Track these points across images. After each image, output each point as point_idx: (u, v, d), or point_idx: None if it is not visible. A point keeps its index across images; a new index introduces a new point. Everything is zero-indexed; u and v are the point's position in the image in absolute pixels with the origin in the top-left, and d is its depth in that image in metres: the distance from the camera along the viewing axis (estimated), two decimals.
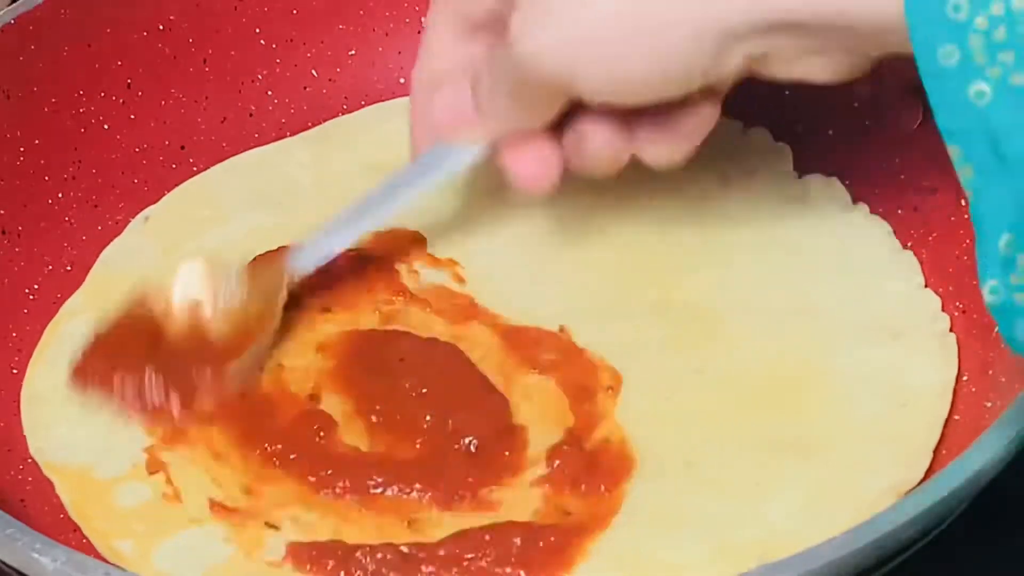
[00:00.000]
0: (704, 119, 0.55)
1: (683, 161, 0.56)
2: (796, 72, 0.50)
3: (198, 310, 0.59)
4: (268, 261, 0.61)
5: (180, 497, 0.56)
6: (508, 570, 0.52)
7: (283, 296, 0.60)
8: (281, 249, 0.61)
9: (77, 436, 0.59)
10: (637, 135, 0.55)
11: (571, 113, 0.54)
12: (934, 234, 0.62)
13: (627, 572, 0.52)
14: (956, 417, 0.56)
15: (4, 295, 0.64)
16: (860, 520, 0.44)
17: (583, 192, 0.67)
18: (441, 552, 0.52)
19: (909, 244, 0.63)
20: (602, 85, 0.51)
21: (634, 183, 0.69)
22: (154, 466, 0.57)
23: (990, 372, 0.55)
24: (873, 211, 0.65)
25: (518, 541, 0.52)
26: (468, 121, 0.57)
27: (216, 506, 0.55)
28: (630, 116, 0.54)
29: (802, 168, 0.69)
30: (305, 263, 0.61)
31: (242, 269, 0.60)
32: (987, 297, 0.42)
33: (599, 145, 0.55)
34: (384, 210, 0.61)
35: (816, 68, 0.50)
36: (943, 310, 0.60)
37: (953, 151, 0.41)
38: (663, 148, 0.56)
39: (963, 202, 0.60)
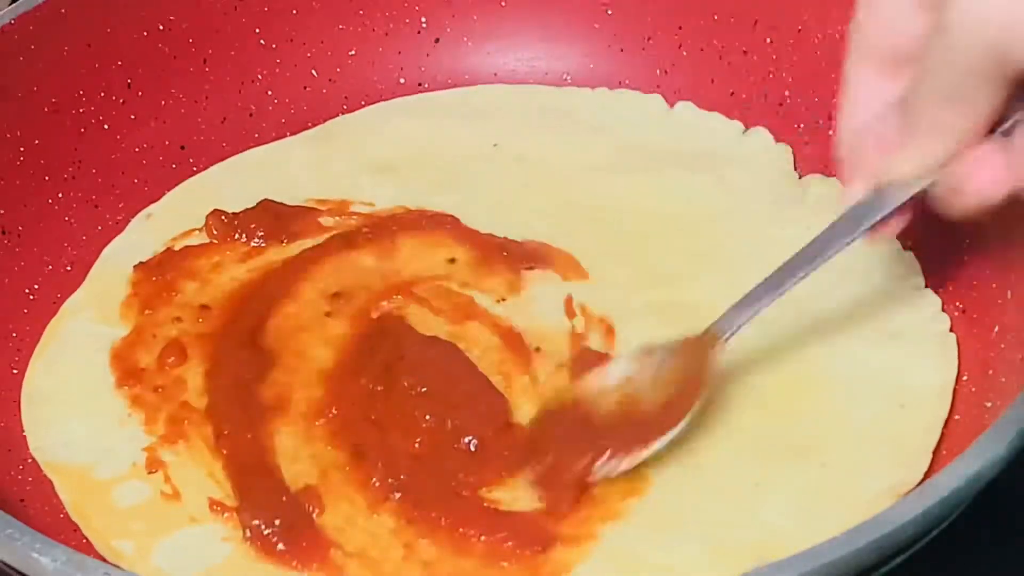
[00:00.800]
0: None
1: None
2: None
3: (629, 387, 0.57)
4: (693, 341, 0.57)
5: (179, 496, 0.56)
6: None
7: (709, 367, 0.56)
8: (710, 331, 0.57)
9: (77, 435, 0.59)
10: None
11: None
12: (934, 234, 0.62)
13: (624, 573, 0.52)
14: (956, 417, 0.56)
15: (4, 295, 0.64)
16: (858, 521, 0.43)
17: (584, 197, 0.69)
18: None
19: (909, 244, 0.63)
20: None
21: (635, 184, 0.69)
22: (153, 465, 0.57)
23: (990, 372, 0.55)
24: None
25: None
26: (895, 148, 0.49)
27: (215, 505, 0.55)
28: None
29: (803, 168, 0.69)
30: (732, 327, 0.56)
31: (673, 346, 0.57)
32: None
33: None
34: (819, 260, 0.54)
35: None
36: (943, 310, 0.61)
37: None
38: None
39: None
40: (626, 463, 0.54)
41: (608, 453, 0.54)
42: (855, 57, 0.52)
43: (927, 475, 0.53)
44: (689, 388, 0.55)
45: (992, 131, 0.47)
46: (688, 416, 0.54)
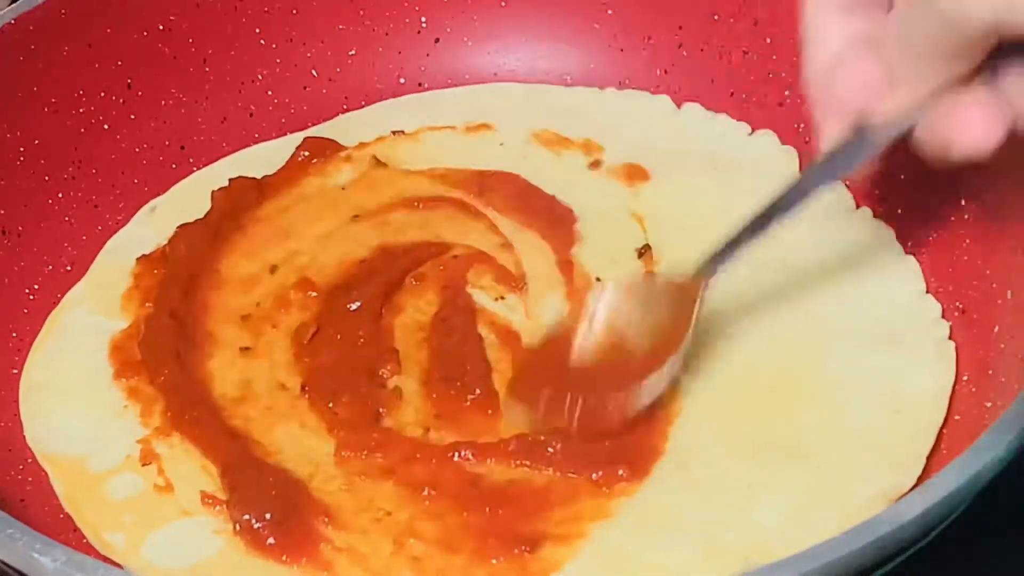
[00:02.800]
0: None
1: None
2: None
3: (615, 329, 0.57)
4: (678, 284, 0.58)
5: (172, 489, 0.56)
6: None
7: (696, 310, 0.57)
8: (691, 274, 0.58)
9: (73, 426, 0.60)
10: None
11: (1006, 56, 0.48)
12: (934, 235, 0.62)
13: (614, 572, 0.52)
14: (956, 417, 0.56)
15: (4, 295, 0.64)
16: (850, 524, 0.43)
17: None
18: None
19: (910, 244, 0.63)
20: None
21: (641, 186, 0.70)
22: (147, 458, 0.58)
23: (990, 372, 0.55)
24: (876, 215, 0.65)
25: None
26: (881, 93, 0.50)
27: (207, 498, 0.55)
28: None
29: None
30: (715, 266, 0.57)
31: (660, 286, 0.58)
32: None
33: None
34: (801, 202, 0.55)
35: None
36: (944, 312, 0.60)
37: None
38: None
39: (963, 202, 0.61)
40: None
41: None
42: (813, 5, 0.53)
43: (920, 480, 0.53)
44: (675, 333, 0.56)
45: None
46: (675, 359, 0.56)
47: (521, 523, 0.53)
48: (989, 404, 0.53)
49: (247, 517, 0.54)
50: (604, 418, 0.56)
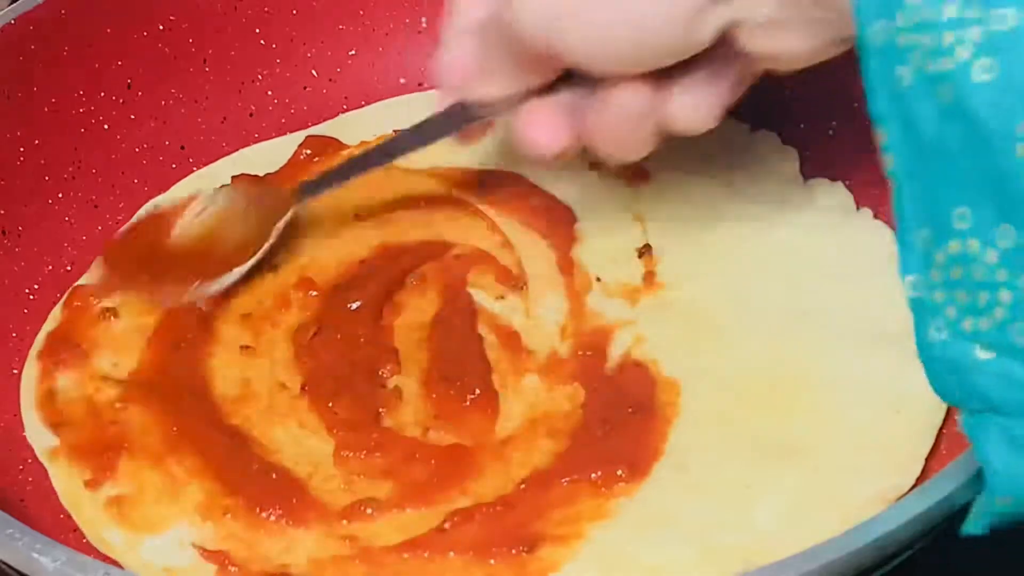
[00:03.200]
0: (730, 82, 0.55)
1: (713, 123, 0.56)
2: (773, 45, 0.51)
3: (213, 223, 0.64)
4: (277, 190, 0.66)
5: (173, 489, 0.56)
6: None
7: (279, 226, 0.64)
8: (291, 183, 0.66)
9: None
10: (661, 98, 0.55)
11: (597, 82, 0.54)
12: None
13: (612, 572, 0.52)
14: (956, 417, 0.55)
15: (4, 295, 0.64)
16: (848, 525, 0.43)
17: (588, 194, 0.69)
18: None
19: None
20: (585, 53, 0.51)
21: (640, 186, 0.69)
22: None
23: None
24: (877, 216, 0.65)
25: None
26: (473, 79, 0.58)
27: (208, 499, 0.56)
28: (652, 80, 0.54)
29: (808, 172, 0.69)
30: (310, 193, 0.65)
31: (243, 188, 0.66)
32: (907, 291, 0.42)
33: (620, 108, 0.54)
34: (397, 152, 0.64)
35: (793, 41, 0.50)
36: None
37: (881, 136, 0.40)
38: (689, 111, 0.55)
39: None
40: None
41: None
42: None
43: (919, 481, 0.53)
44: (262, 234, 0.64)
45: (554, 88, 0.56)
46: (252, 260, 0.63)
47: (519, 523, 0.53)
48: None
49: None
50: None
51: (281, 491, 0.55)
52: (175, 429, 0.58)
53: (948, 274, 0.40)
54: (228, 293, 0.64)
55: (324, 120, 0.75)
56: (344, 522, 0.54)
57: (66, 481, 0.57)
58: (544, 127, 0.56)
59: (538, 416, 0.58)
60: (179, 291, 0.62)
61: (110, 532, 0.55)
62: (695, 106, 0.55)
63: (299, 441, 0.58)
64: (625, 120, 0.55)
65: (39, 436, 0.59)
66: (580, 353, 0.60)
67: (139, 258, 0.65)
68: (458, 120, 0.60)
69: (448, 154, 0.71)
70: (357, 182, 0.69)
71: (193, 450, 0.57)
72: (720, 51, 0.52)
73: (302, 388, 0.60)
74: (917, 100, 0.38)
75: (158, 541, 0.55)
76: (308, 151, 0.71)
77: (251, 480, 0.56)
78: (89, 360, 0.62)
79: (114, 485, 0.57)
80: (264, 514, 0.54)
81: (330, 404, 0.59)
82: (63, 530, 0.55)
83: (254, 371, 0.61)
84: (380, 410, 0.58)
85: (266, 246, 0.64)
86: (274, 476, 0.56)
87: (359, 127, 0.74)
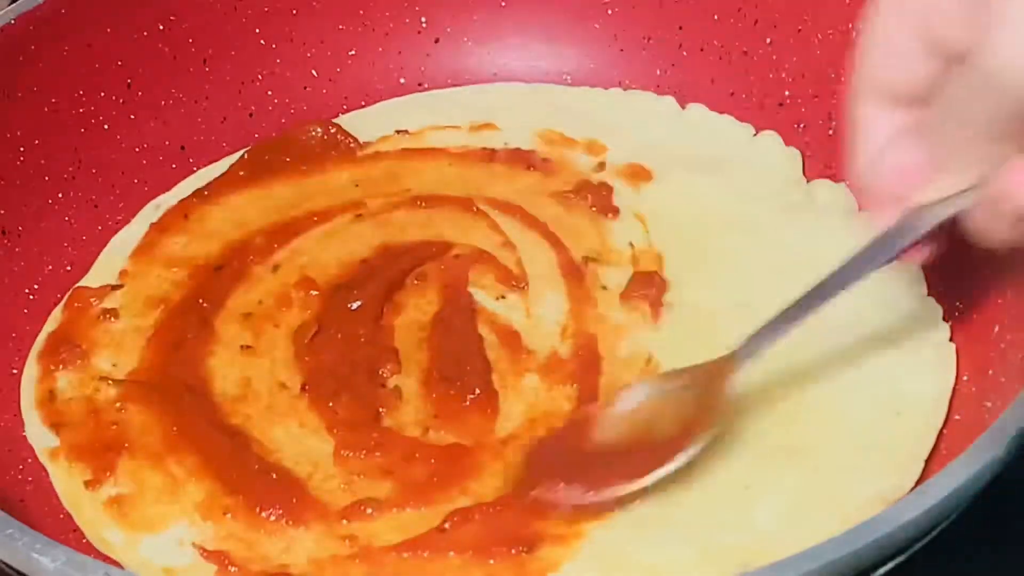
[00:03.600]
0: None
1: None
2: None
3: (640, 421, 0.55)
4: (712, 367, 0.55)
5: (172, 489, 0.56)
6: None
7: (724, 404, 0.55)
8: (727, 357, 0.55)
9: None
10: None
11: None
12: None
13: (611, 572, 0.52)
14: (956, 417, 0.56)
15: (4, 295, 0.64)
16: (847, 525, 0.43)
17: None
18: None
19: None
20: None
21: (645, 187, 0.70)
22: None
23: (990, 372, 0.55)
24: None
25: None
26: (924, 181, 0.49)
27: (206, 499, 0.56)
28: None
29: (810, 173, 0.69)
30: (752, 351, 0.55)
31: (689, 375, 0.56)
32: None
33: None
34: (843, 287, 0.54)
35: None
36: (944, 313, 0.60)
37: None
38: None
39: None
40: (609, 494, 0.53)
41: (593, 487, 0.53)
42: (862, 93, 0.52)
43: (918, 482, 0.53)
44: (700, 419, 0.54)
45: None
46: (692, 449, 0.53)
47: (519, 523, 0.53)
48: (989, 404, 0.53)
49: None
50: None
51: (281, 491, 0.55)
52: (175, 429, 0.58)
53: None
54: (228, 293, 0.64)
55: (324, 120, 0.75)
56: (344, 522, 0.54)
57: (66, 481, 0.57)
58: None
59: (538, 416, 0.58)
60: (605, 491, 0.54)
61: (110, 532, 0.55)
62: None
63: (299, 441, 0.58)
64: None
65: (39, 436, 0.59)
66: (580, 353, 0.60)
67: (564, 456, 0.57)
68: (908, 234, 0.51)
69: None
70: (358, 183, 0.69)
71: (193, 450, 0.57)
72: None
73: (302, 388, 0.60)
74: None
75: (158, 540, 0.55)
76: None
77: (251, 480, 0.56)
78: (89, 360, 0.62)
79: (114, 485, 0.57)
80: (264, 514, 0.54)
81: (330, 404, 0.59)
82: (63, 530, 0.55)
83: (254, 371, 0.61)
84: (380, 410, 0.58)
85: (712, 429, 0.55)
86: (274, 476, 0.56)
87: (362, 126, 0.74)
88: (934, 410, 0.56)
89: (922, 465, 0.54)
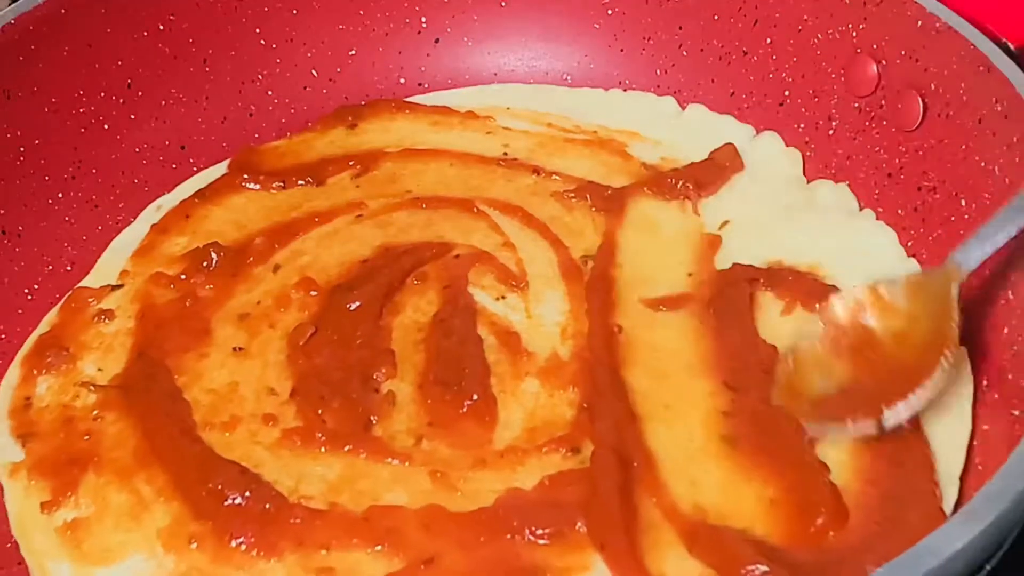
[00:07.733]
0: None
1: None
2: None
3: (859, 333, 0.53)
4: (927, 275, 0.52)
5: (129, 520, 0.54)
6: None
7: (956, 316, 0.51)
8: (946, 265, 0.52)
9: None
10: None
11: None
12: (934, 234, 0.62)
13: None
14: (985, 427, 0.54)
15: (4, 295, 0.64)
16: None
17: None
18: None
19: (911, 246, 0.63)
20: None
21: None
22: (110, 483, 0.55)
23: (1009, 376, 0.55)
24: (879, 218, 0.65)
25: None
26: None
27: (164, 531, 0.53)
28: None
29: (811, 173, 0.69)
30: (970, 260, 0.52)
31: (902, 284, 0.53)
32: None
33: None
34: None
35: None
36: None
37: None
38: None
39: (963, 202, 0.60)
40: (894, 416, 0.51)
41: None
42: None
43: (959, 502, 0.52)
44: (935, 334, 0.51)
45: None
46: (945, 362, 0.50)
47: (524, 552, 0.52)
48: (1016, 412, 0.52)
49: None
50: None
51: (255, 515, 0.53)
52: (148, 442, 0.56)
53: None
54: (227, 293, 0.64)
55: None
56: (323, 552, 0.52)
57: (21, 502, 0.55)
58: None
59: (538, 425, 0.57)
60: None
61: (58, 564, 0.53)
62: None
63: (280, 454, 0.56)
64: None
65: (3, 449, 0.58)
66: (581, 355, 0.60)
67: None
68: None
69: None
70: (358, 184, 0.69)
71: (164, 467, 0.55)
72: None
73: (291, 394, 0.58)
74: None
75: (109, 575, 0.52)
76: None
77: (222, 500, 0.53)
78: (75, 364, 0.61)
79: (73, 507, 0.55)
80: (235, 542, 0.52)
81: (319, 411, 0.57)
82: (8, 563, 0.53)
83: (243, 375, 0.60)
84: (372, 418, 0.57)
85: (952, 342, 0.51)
86: (248, 494, 0.53)
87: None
88: (959, 422, 0.54)
89: (957, 484, 0.52)
